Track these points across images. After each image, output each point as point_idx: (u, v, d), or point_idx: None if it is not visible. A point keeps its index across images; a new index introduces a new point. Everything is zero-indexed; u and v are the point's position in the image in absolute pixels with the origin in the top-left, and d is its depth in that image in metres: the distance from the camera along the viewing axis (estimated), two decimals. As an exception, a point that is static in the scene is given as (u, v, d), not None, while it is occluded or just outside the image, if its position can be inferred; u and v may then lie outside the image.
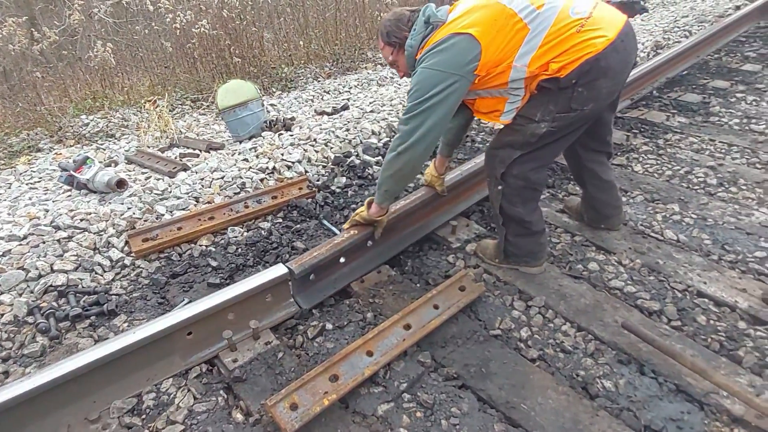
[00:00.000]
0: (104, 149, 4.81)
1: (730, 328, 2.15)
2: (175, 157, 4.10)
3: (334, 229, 2.89)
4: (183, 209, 3.05)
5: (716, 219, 2.84)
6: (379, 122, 4.15)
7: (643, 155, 3.63)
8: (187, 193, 3.20)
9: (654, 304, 2.27)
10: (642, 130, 4.02)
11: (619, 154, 3.64)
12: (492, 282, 2.48)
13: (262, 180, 3.36)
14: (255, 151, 3.77)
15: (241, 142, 4.43)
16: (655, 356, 1.99)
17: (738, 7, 7.34)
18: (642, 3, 8.73)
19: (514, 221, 2.34)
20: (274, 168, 3.46)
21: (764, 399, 1.79)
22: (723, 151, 3.63)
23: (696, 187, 3.20)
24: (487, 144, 2.45)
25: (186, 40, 6.55)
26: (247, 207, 3.05)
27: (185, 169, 3.65)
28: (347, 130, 4.00)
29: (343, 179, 3.46)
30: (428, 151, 2.09)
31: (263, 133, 4.49)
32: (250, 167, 3.47)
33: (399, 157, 2.10)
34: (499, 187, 2.28)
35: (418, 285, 2.50)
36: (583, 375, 1.96)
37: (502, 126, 2.24)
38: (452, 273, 2.52)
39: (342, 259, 2.44)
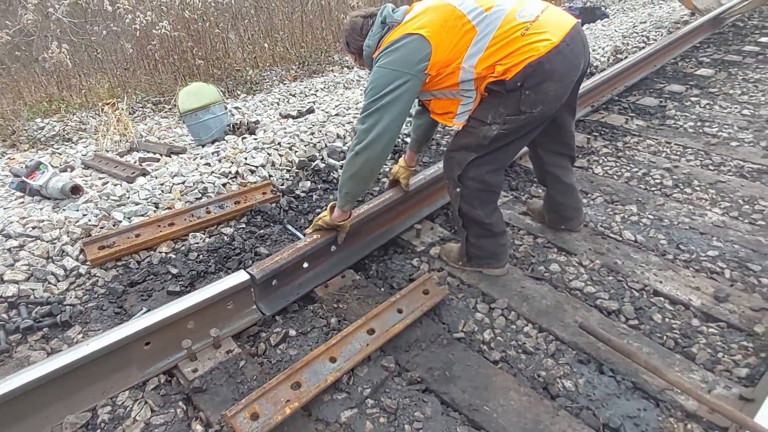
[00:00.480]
0: (60, 154, 4.64)
1: (684, 326, 2.21)
2: (135, 162, 3.99)
3: (298, 233, 2.86)
4: (142, 215, 2.97)
5: (672, 219, 2.93)
6: (344, 125, 4.13)
7: (603, 158, 3.71)
8: (146, 199, 3.11)
9: (612, 304, 2.32)
10: (602, 132, 4.12)
11: (580, 156, 3.72)
12: (456, 285, 2.50)
13: (224, 185, 3.30)
14: (217, 156, 3.71)
15: (203, 146, 4.35)
16: (614, 355, 2.03)
17: (693, 14, 7.60)
18: (602, 9, 8.98)
19: (474, 223, 2.37)
20: (237, 172, 3.40)
21: (715, 395, 1.85)
22: (678, 153, 3.74)
23: (653, 189, 3.29)
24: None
25: (147, 42, 6.39)
26: (209, 212, 2.99)
27: (144, 174, 3.56)
28: (312, 133, 3.97)
29: (308, 183, 3.43)
30: (386, 150, 2.09)
31: (226, 137, 4.41)
32: (213, 172, 3.40)
33: (357, 157, 2.10)
34: (458, 189, 2.30)
35: (382, 289, 2.50)
36: (544, 375, 1.99)
37: (458, 129, 2.27)
38: (416, 276, 2.52)
39: (305, 264, 2.42)
